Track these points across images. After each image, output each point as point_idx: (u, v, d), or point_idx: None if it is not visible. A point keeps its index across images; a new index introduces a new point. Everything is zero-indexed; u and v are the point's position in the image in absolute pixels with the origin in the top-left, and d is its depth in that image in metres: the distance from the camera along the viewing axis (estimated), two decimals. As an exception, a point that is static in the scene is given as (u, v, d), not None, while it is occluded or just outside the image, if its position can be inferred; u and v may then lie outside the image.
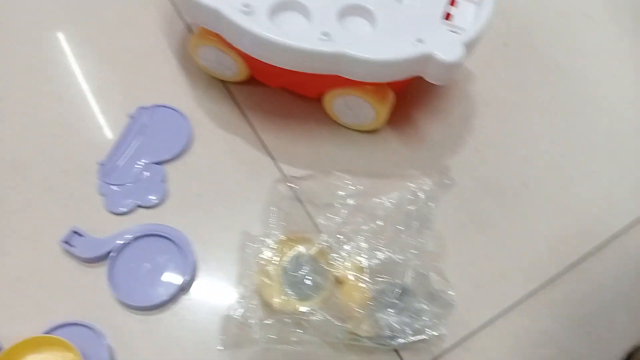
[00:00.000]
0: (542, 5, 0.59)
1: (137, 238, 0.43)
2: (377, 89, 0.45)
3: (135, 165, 0.46)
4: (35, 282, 0.42)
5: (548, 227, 0.47)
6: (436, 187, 0.44)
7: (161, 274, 0.42)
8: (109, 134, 0.48)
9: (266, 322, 0.38)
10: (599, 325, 0.44)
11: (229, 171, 0.47)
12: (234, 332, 0.38)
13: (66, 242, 0.42)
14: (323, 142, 0.49)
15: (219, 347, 0.38)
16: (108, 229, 0.43)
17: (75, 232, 0.42)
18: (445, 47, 0.40)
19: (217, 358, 0.40)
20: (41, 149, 0.47)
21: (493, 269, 0.45)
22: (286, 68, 0.42)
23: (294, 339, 0.39)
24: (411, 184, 0.44)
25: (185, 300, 0.42)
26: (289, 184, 0.46)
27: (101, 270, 0.42)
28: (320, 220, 0.44)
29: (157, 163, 0.47)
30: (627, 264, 0.47)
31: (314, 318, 0.39)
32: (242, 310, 0.39)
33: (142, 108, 0.49)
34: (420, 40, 0.42)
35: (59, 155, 0.47)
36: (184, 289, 0.42)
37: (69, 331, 0.39)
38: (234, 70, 0.49)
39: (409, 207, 0.43)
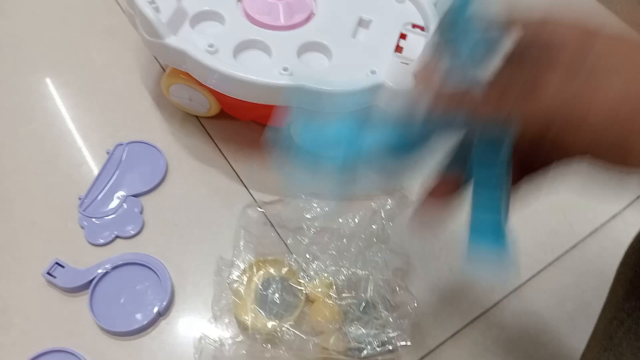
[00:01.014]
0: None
1: (116, 267, 0.45)
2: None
3: (114, 199, 0.49)
4: (21, 313, 0.44)
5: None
6: (396, 206, 0.46)
7: (140, 300, 0.44)
8: (88, 169, 0.51)
9: (238, 340, 0.40)
10: (563, 332, 0.46)
11: (204, 200, 0.50)
12: (208, 351, 0.41)
13: (49, 274, 0.44)
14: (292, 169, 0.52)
15: (195, 367, 0.40)
16: (89, 259, 0.46)
17: (57, 264, 0.45)
18: (396, 77, 0.44)
19: (194, 378, 0.42)
20: (24, 185, 0.50)
21: (457, 281, 0.47)
22: (251, 102, 0.45)
23: (267, 356, 0.41)
24: (373, 204, 0.47)
25: (164, 324, 0.44)
26: (258, 209, 0.48)
27: (83, 299, 0.44)
28: (290, 242, 0.47)
29: (135, 195, 0.49)
30: (588, 269, 0.49)
31: (285, 335, 0.41)
32: (216, 330, 0.41)
33: (120, 144, 0.52)
34: (373, 72, 0.45)
35: (41, 191, 0.49)
36: (162, 313, 0.44)
37: (53, 358, 0.41)
38: (205, 105, 0.52)
39: (371, 226, 0.46)
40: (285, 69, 0.45)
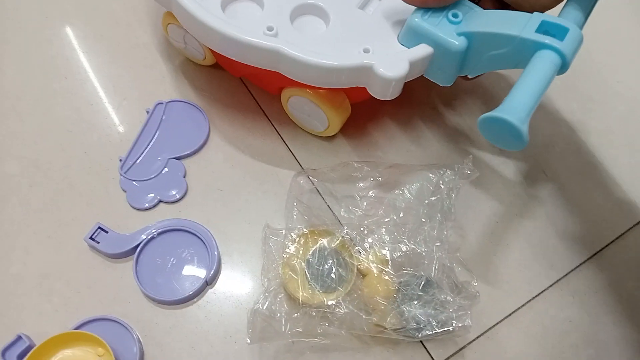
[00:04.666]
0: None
1: (161, 233, 0.43)
2: (330, 95, 0.44)
3: (156, 161, 0.46)
4: (62, 279, 0.42)
5: (570, 215, 0.47)
6: (457, 178, 0.44)
7: (186, 268, 0.42)
8: (126, 129, 0.48)
9: (294, 315, 0.38)
10: (624, 313, 0.44)
11: (248, 164, 0.48)
12: (261, 325, 0.39)
13: (91, 238, 0.42)
14: (339, 134, 0.49)
15: (247, 341, 0.38)
16: (132, 224, 0.44)
17: (100, 228, 0.43)
18: (390, 61, 0.39)
19: (244, 351, 0.40)
20: (61, 146, 0.47)
21: (515, 259, 0.45)
22: (226, 56, 0.42)
23: (320, 332, 0.39)
24: (431, 175, 0.44)
25: (211, 294, 0.42)
26: (309, 177, 0.46)
27: (127, 265, 0.42)
28: (342, 213, 0.44)
29: (177, 158, 0.47)
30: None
31: (339, 311, 0.39)
32: (268, 304, 0.39)
33: (159, 103, 0.49)
34: (366, 50, 0.41)
35: (79, 152, 0.47)
36: (209, 282, 0.42)
37: (98, 326, 0.40)
38: (200, 52, 0.48)
39: (430, 199, 0.43)
40: (269, 29, 0.41)
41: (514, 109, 0.33)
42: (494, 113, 0.33)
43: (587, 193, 0.48)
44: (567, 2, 0.39)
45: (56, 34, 0.52)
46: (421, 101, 0.51)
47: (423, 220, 0.42)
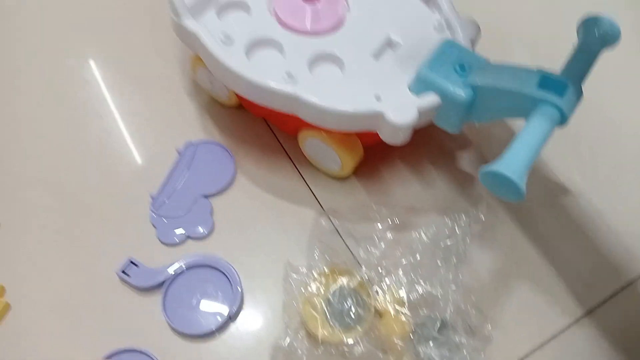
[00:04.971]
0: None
1: (188, 268, 0.45)
2: (343, 137, 0.46)
3: (186, 199, 0.49)
4: (93, 310, 0.44)
5: (583, 259, 0.49)
6: (472, 222, 0.45)
7: (211, 303, 0.44)
8: (156, 166, 0.51)
9: (314, 353, 0.40)
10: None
11: (271, 204, 0.50)
12: (282, 361, 0.41)
13: (123, 272, 0.45)
14: (356, 176, 0.51)
15: (268, 376, 0.40)
16: (160, 259, 0.46)
17: (132, 262, 0.45)
18: (400, 109, 0.42)
19: (265, 386, 0.42)
20: (95, 182, 0.50)
21: (528, 303, 0.46)
22: (248, 99, 0.45)
23: (339, 369, 0.41)
24: (447, 219, 0.46)
25: (234, 329, 0.44)
26: (330, 218, 0.48)
27: (155, 299, 0.44)
28: (360, 254, 0.46)
29: (205, 196, 0.49)
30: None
31: (357, 349, 0.41)
32: (290, 340, 0.41)
33: (190, 143, 0.52)
34: (378, 97, 0.43)
35: (112, 187, 0.50)
36: (232, 318, 0.44)
37: (126, 357, 0.42)
38: (224, 93, 0.51)
39: (446, 242, 0.45)
40: (289, 75, 0.44)
41: (513, 164, 0.35)
42: (494, 167, 0.35)
43: (600, 237, 0.50)
44: (569, 57, 0.42)
45: (92, 75, 0.56)
46: (432, 145, 0.53)
47: (439, 263, 0.44)
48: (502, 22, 0.61)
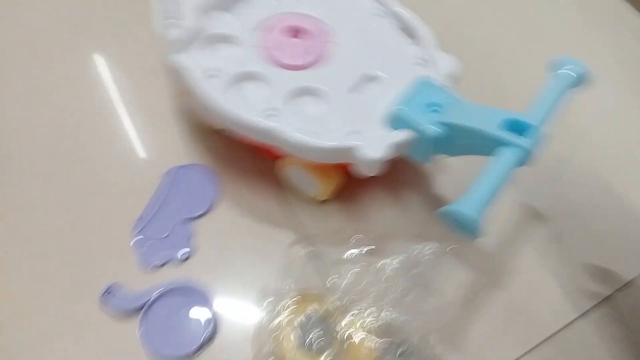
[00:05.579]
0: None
1: (167, 292, 0.47)
2: (322, 164, 0.48)
3: (166, 223, 0.51)
4: (74, 335, 0.46)
5: (547, 285, 0.50)
6: (439, 251, 0.47)
7: (187, 327, 0.46)
8: (139, 191, 0.53)
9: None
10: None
11: (250, 227, 0.52)
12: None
13: (106, 294, 0.47)
14: (334, 200, 0.53)
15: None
16: (140, 283, 0.48)
17: (112, 287, 0.47)
18: (374, 144, 0.43)
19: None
20: (80, 206, 0.52)
21: (490, 329, 0.48)
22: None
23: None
24: (416, 247, 0.48)
25: (207, 353, 0.46)
26: (303, 245, 0.50)
27: (132, 324, 0.46)
28: (331, 280, 0.48)
29: (186, 219, 0.51)
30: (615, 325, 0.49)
31: (323, 374, 0.42)
32: (259, 365, 0.43)
33: (173, 167, 0.54)
34: (354, 131, 0.45)
35: (95, 213, 0.52)
36: (204, 342, 0.46)
37: (105, 379, 0.44)
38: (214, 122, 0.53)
39: (413, 270, 0.47)
40: (269, 108, 0.46)
41: (471, 204, 0.37)
42: (450, 207, 0.37)
43: (564, 262, 0.51)
44: (536, 97, 0.43)
45: (80, 103, 0.58)
46: (411, 169, 0.55)
47: (405, 290, 0.46)
48: (483, 60, 0.63)
